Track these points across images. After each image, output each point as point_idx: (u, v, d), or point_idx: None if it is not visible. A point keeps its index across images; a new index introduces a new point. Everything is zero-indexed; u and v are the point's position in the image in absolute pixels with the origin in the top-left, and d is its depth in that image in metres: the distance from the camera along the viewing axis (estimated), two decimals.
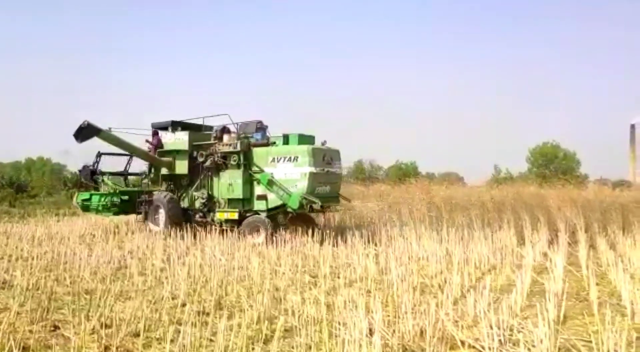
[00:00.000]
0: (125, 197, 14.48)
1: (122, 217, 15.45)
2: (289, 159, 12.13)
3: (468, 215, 14.53)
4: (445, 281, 7.40)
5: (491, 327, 4.82)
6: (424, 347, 4.70)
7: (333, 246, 10.59)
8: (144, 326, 5.16)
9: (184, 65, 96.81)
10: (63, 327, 5.39)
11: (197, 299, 6.51)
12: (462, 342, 4.91)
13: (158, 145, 14.35)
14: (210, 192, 13.41)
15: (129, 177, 16.34)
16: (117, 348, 4.76)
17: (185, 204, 13.95)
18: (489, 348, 4.62)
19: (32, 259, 9.23)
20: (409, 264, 8.76)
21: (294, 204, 11.74)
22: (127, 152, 14.72)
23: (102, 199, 14.38)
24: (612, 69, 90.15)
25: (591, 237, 12.27)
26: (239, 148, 12.69)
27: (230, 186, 12.90)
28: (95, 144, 14.12)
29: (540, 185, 19.12)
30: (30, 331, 5.11)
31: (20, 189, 29.09)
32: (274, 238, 11.37)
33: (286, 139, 12.78)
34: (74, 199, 15.67)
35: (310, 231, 11.38)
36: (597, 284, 7.16)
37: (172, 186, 14.42)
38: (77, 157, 15.13)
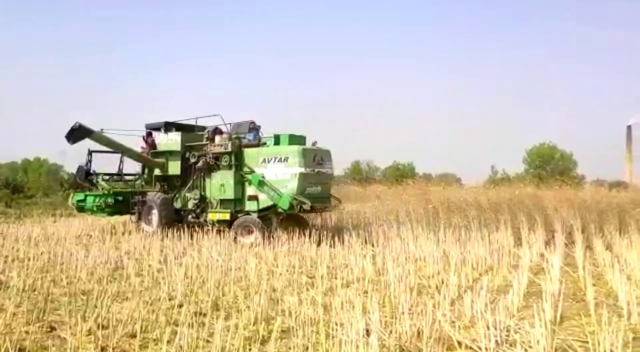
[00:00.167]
0: (120, 198, 14.51)
1: (119, 218, 15.44)
2: (280, 160, 12.15)
3: (465, 216, 14.54)
4: (443, 282, 7.41)
5: (488, 328, 4.83)
6: (421, 347, 4.70)
7: (330, 246, 10.58)
8: (141, 327, 5.15)
9: (183, 65, 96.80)
10: (59, 328, 5.37)
11: (194, 299, 6.50)
12: (459, 343, 4.91)
13: (152, 146, 14.38)
14: (202, 193, 13.44)
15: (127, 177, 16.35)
16: (113, 349, 4.75)
17: (178, 204, 13.97)
18: (486, 349, 4.62)
19: (29, 259, 9.21)
20: (406, 264, 8.76)
21: (284, 204, 11.76)
22: (115, 152, 14.77)
23: (97, 200, 14.41)
24: (609, 70, 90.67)
25: (588, 238, 12.29)
26: (230, 149, 12.72)
27: (222, 187, 12.93)
28: (90, 145, 14.22)
29: (537, 186, 19.17)
30: (27, 332, 5.09)
31: (16, 190, 29.02)
32: (266, 238, 11.40)
33: (277, 140, 12.80)
34: (70, 199, 15.73)
35: (302, 232, 11.39)
36: (593, 285, 7.19)
37: (165, 186, 14.47)
38: (74, 158, 15.16)
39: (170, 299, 6.52)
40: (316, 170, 12.23)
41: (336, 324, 5.10)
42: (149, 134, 14.59)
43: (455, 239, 11.40)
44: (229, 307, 6.25)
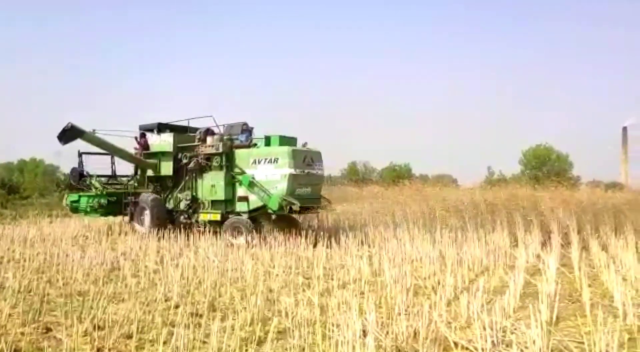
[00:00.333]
0: (113, 199, 14.55)
1: (116, 218, 15.42)
2: (270, 161, 12.17)
3: (461, 217, 14.56)
4: (439, 283, 7.42)
5: (484, 329, 4.83)
6: (417, 348, 4.70)
7: (327, 247, 10.59)
8: (137, 328, 5.14)
9: (182, 65, 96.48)
10: (55, 329, 5.36)
11: (190, 300, 6.49)
12: (456, 344, 4.92)
13: (145, 146, 14.40)
14: (194, 194, 13.47)
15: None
16: (109, 350, 4.74)
17: (170, 205, 14.02)
18: (482, 349, 4.63)
19: (25, 260, 9.19)
20: (403, 265, 8.76)
21: (273, 205, 11.77)
22: (108, 152, 14.81)
23: (90, 201, 14.45)
24: (605, 71, 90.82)
25: (584, 239, 12.31)
26: (221, 150, 12.75)
27: (213, 188, 12.95)
28: (82, 145, 14.25)
29: (533, 187, 19.16)
30: (22, 333, 5.08)
31: (12, 191, 28.96)
32: (257, 239, 11.42)
33: (267, 141, 12.83)
34: (64, 200, 15.77)
35: (294, 233, 11.40)
36: (589, 286, 7.20)
37: (158, 187, 14.52)
38: (70, 158, 15.18)
39: (166, 300, 6.51)
40: (306, 171, 12.24)
41: (333, 325, 5.09)
42: (142, 135, 14.62)
43: (452, 240, 11.42)
44: (225, 308, 6.24)
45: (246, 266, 8.33)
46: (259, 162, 12.32)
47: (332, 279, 7.76)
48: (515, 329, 5.25)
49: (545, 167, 44.47)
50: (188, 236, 11.96)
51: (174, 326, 5.20)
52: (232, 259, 9.04)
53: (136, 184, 15.05)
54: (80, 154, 14.93)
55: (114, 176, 15.79)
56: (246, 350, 4.79)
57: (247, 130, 13.22)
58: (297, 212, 12.25)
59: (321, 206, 13.12)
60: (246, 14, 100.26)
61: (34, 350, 4.78)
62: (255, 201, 12.31)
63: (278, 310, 5.98)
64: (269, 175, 12.10)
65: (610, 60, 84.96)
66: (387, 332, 5.01)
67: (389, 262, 8.53)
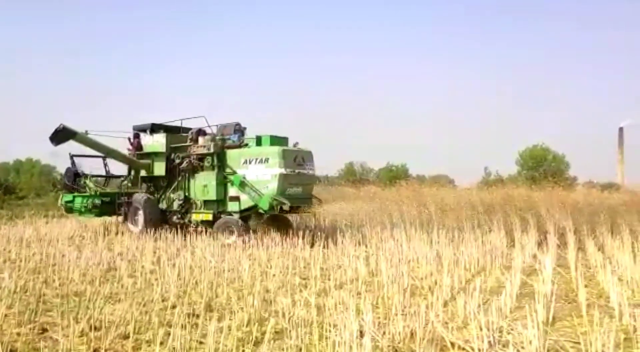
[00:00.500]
0: (107, 199, 14.58)
1: (113, 219, 15.40)
2: (260, 161, 12.20)
3: (458, 217, 14.58)
4: (436, 283, 7.43)
5: (481, 329, 4.84)
6: (414, 348, 4.71)
7: (324, 247, 10.59)
8: (134, 328, 5.13)
9: (181, 66, 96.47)
10: (51, 329, 5.34)
11: (187, 301, 6.48)
12: (452, 344, 4.93)
13: (138, 147, 14.39)
14: (186, 194, 13.52)
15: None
16: (106, 350, 4.72)
17: (163, 205, 14.04)
18: (479, 349, 4.64)
19: (21, 261, 9.15)
20: (400, 265, 8.75)
21: (264, 205, 11.80)
22: (99, 153, 14.86)
23: (84, 201, 14.48)
24: (602, 72, 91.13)
25: (580, 239, 12.34)
26: (212, 150, 12.79)
27: (205, 188, 12.99)
28: (76, 147, 14.24)
29: (529, 187, 19.23)
30: (18, 334, 5.06)
31: (8, 191, 28.86)
32: (248, 238, 11.43)
33: (259, 141, 12.86)
34: (59, 200, 15.80)
35: (285, 233, 11.40)
36: (585, 286, 7.22)
37: (151, 187, 14.58)
38: (66, 158, 15.22)
39: (163, 300, 6.50)
40: (297, 171, 12.26)
41: (329, 325, 5.09)
42: (136, 136, 14.66)
43: (449, 240, 11.43)
44: (222, 309, 6.23)
45: (243, 266, 8.32)
46: (250, 162, 12.35)
47: (329, 280, 7.76)
48: (511, 329, 5.25)
49: (542, 167, 44.59)
50: (185, 236, 11.95)
51: (170, 327, 5.19)
52: (228, 260, 9.03)
53: (129, 184, 15.06)
54: (71, 157, 15.02)
55: (109, 176, 15.81)
56: (243, 350, 4.78)
57: (239, 130, 13.26)
58: (287, 212, 12.29)
59: (312, 206, 13.13)
60: (246, 14, 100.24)
61: (30, 350, 4.76)
62: (246, 201, 12.34)
63: (275, 310, 5.97)
64: (260, 175, 12.14)
65: (607, 61, 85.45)
66: (384, 333, 5.01)
67: (386, 263, 8.52)
